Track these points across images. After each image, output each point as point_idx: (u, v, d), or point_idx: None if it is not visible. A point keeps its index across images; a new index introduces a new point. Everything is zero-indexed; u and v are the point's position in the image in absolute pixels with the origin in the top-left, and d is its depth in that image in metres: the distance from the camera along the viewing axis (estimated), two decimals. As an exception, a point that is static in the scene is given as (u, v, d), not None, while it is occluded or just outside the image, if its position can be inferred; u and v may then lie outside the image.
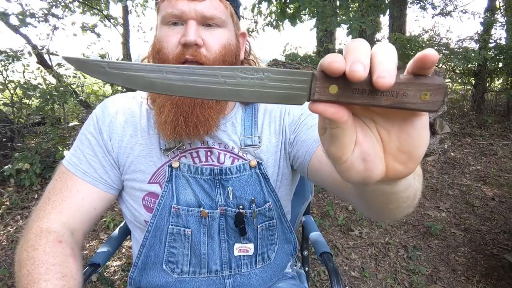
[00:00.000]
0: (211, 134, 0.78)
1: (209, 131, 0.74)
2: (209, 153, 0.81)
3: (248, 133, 0.82)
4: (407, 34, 5.77)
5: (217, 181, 0.79)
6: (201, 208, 0.79)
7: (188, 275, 0.82)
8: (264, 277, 0.88)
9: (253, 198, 0.80)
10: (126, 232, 1.10)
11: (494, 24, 6.25)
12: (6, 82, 3.48)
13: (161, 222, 0.79)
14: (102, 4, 5.96)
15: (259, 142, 0.82)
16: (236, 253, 0.82)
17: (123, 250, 2.23)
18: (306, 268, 1.13)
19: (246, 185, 0.80)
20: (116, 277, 2.00)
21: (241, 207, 0.80)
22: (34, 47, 3.85)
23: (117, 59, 5.55)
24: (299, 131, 0.81)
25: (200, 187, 0.79)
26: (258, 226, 0.83)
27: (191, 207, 0.79)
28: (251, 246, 0.83)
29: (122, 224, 1.12)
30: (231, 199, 0.79)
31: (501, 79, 6.68)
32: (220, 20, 0.72)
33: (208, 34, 0.72)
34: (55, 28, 3.96)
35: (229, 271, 0.83)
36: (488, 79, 6.17)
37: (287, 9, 4.09)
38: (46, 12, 3.87)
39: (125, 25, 6.36)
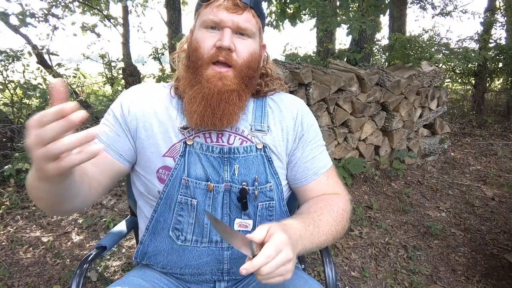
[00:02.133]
0: (232, 125, 0.89)
1: (231, 123, 0.86)
2: (220, 135, 0.91)
3: (258, 121, 0.94)
4: (407, 34, 5.77)
5: (225, 159, 0.89)
6: (208, 182, 0.87)
7: (191, 243, 0.89)
8: None
9: (256, 177, 0.90)
10: (132, 225, 1.16)
11: (494, 24, 6.25)
12: (6, 82, 3.48)
13: (172, 192, 0.88)
14: (102, 4, 5.96)
15: (267, 130, 0.93)
16: (236, 227, 0.90)
17: (123, 250, 2.23)
18: (303, 265, 1.17)
19: (251, 164, 0.90)
20: (116, 277, 2.01)
21: (244, 183, 0.89)
22: (34, 47, 3.85)
23: (117, 59, 5.55)
24: (303, 150, 0.96)
25: (209, 163, 0.88)
26: (259, 204, 0.90)
27: (199, 180, 0.87)
28: (250, 222, 0.91)
29: (128, 217, 1.20)
30: (236, 176, 0.88)
31: (501, 79, 6.68)
32: (251, 32, 0.85)
33: (239, 42, 0.84)
34: (55, 28, 3.96)
35: (228, 243, 0.89)
36: (488, 79, 6.17)
37: (287, 9, 4.08)
38: (46, 12, 3.87)
39: (125, 25, 6.35)
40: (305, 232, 0.77)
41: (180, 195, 0.87)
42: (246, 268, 0.62)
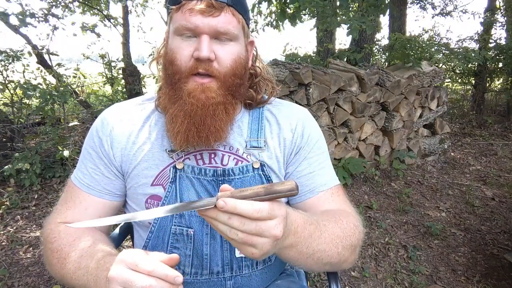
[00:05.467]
0: (220, 142, 0.80)
1: (219, 140, 0.77)
2: (213, 155, 0.82)
3: (254, 135, 0.84)
4: (407, 34, 5.77)
5: (220, 182, 0.80)
6: None
7: (190, 276, 0.81)
8: (264, 278, 0.88)
9: None
10: (126, 232, 1.10)
11: (494, 24, 6.24)
12: (6, 82, 3.48)
13: (164, 223, 0.79)
14: (102, 4, 5.96)
15: (264, 146, 0.84)
16: (237, 254, 0.81)
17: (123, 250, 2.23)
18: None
19: (248, 185, 0.81)
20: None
21: None
22: (34, 47, 3.84)
23: (117, 59, 5.55)
24: (298, 163, 0.86)
25: (203, 188, 0.80)
26: None
27: None
28: None
29: (122, 224, 1.12)
30: None
31: (501, 79, 6.68)
32: (233, 34, 0.74)
33: (220, 48, 0.73)
34: (55, 28, 3.95)
35: (231, 272, 0.82)
36: (488, 79, 6.17)
37: (287, 9, 4.08)
38: (46, 12, 3.86)
39: (125, 25, 6.34)
40: (302, 229, 0.64)
41: (174, 225, 0.78)
42: (225, 200, 0.51)
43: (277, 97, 0.97)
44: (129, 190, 0.84)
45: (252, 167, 0.82)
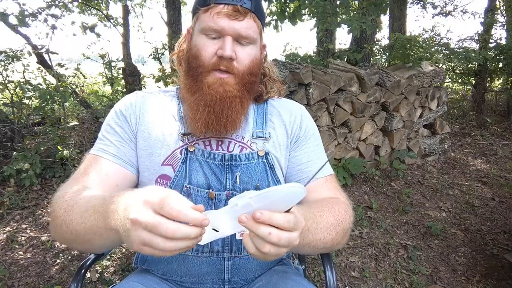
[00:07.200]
0: (235, 131, 0.89)
1: (235, 129, 0.86)
2: (220, 142, 0.90)
3: (260, 127, 0.93)
4: (407, 34, 5.77)
5: (227, 166, 0.87)
6: (210, 190, 0.85)
7: (191, 253, 0.86)
8: (262, 263, 0.93)
9: (258, 185, 0.87)
10: None
11: (494, 24, 6.24)
12: (6, 82, 3.47)
13: None
14: (102, 4, 5.96)
15: (269, 136, 0.92)
16: (237, 236, 0.86)
17: (123, 250, 2.23)
18: (303, 266, 1.16)
19: (253, 172, 0.88)
20: (116, 277, 2.00)
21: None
22: (34, 47, 3.84)
23: (117, 59, 5.55)
24: (299, 152, 0.94)
25: (211, 171, 0.86)
26: None
27: (201, 188, 0.85)
28: None
29: None
30: (238, 183, 0.86)
31: (501, 79, 6.67)
32: (253, 38, 0.83)
33: (240, 50, 0.82)
34: (54, 27, 3.94)
35: (230, 253, 0.87)
36: (488, 79, 6.16)
37: (287, 8, 4.08)
38: (41, 10, 3.85)
39: (125, 25, 6.35)
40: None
41: None
42: (263, 213, 0.52)
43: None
44: (140, 168, 0.89)
45: (258, 154, 0.89)
